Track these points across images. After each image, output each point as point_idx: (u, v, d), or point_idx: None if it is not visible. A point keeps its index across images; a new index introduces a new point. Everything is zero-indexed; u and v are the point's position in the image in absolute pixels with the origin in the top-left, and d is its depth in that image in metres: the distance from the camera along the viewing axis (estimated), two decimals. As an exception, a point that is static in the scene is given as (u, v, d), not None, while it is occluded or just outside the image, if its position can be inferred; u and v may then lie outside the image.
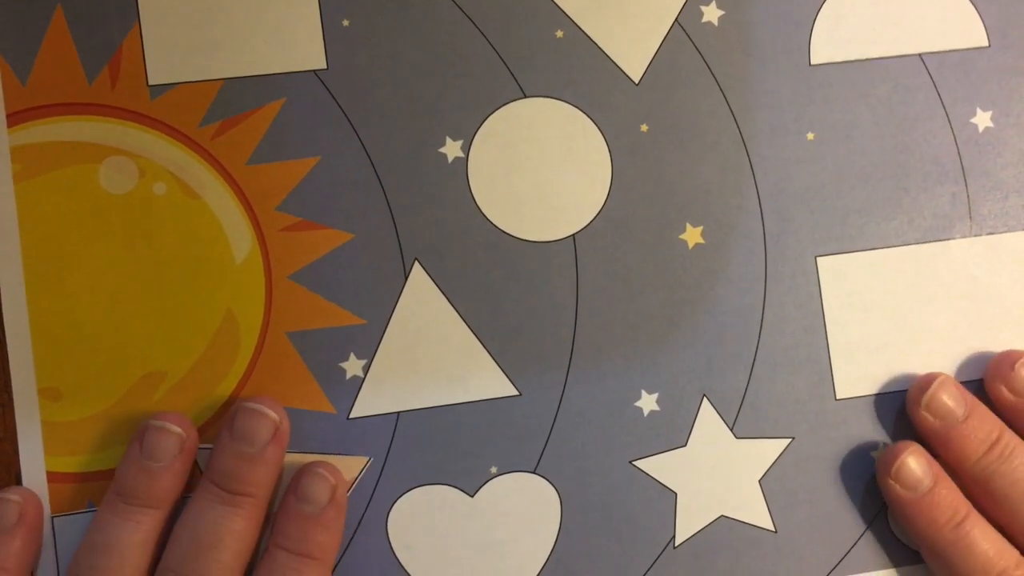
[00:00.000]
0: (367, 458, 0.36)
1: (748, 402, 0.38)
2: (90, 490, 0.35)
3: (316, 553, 0.33)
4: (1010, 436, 0.36)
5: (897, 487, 0.36)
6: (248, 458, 0.34)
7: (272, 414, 0.34)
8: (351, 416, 0.36)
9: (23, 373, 0.35)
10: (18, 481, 0.35)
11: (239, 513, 0.33)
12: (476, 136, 0.37)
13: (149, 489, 0.33)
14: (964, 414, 0.36)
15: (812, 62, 0.39)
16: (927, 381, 0.37)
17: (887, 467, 0.36)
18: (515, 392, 0.37)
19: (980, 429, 0.36)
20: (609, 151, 0.38)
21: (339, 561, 0.36)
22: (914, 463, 0.36)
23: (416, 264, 0.37)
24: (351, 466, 0.36)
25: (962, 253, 0.39)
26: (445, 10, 0.38)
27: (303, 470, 0.35)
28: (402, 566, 0.36)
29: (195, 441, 0.35)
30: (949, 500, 0.35)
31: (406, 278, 0.37)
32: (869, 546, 0.38)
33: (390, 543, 0.36)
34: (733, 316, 0.38)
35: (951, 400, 0.36)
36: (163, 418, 0.34)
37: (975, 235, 0.39)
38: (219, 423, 0.36)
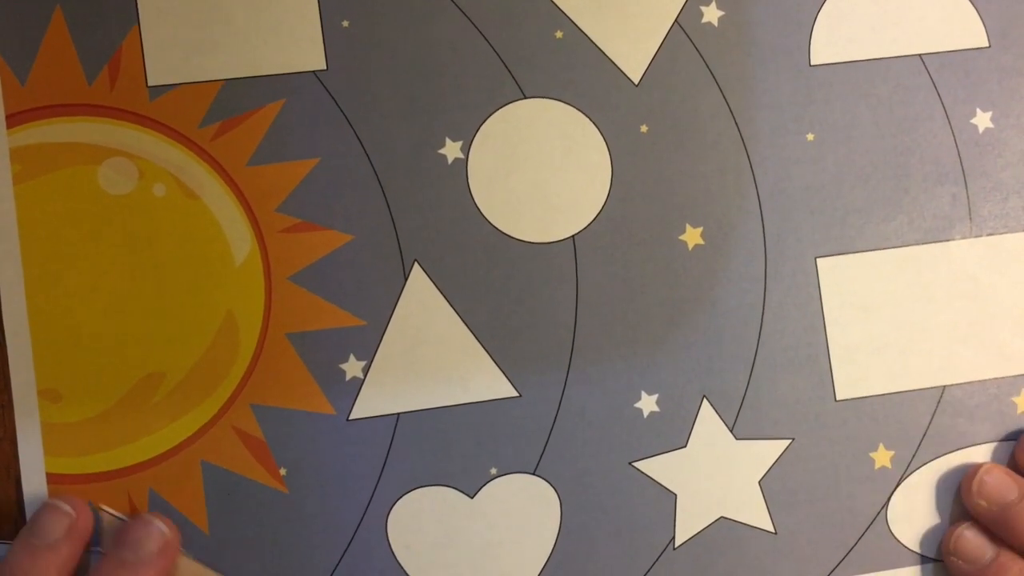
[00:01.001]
0: None
1: (748, 403, 0.38)
2: (90, 492, 0.35)
3: None
4: None
5: (959, 562, 0.36)
6: (125, 565, 0.32)
7: (162, 527, 0.33)
8: (351, 417, 0.36)
9: (23, 374, 0.35)
10: (18, 484, 0.35)
11: None
12: (476, 137, 0.37)
13: (31, 569, 0.32)
14: (1018, 496, 0.36)
15: (812, 62, 0.39)
16: (975, 470, 0.37)
17: (947, 544, 0.37)
18: (515, 393, 0.37)
19: None
20: (609, 152, 0.38)
21: (339, 562, 0.36)
22: (971, 535, 0.36)
23: (416, 265, 0.37)
24: None
25: (962, 254, 0.39)
26: (445, 11, 0.38)
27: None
28: (402, 567, 0.36)
29: (87, 526, 0.34)
30: (1016, 567, 0.35)
31: (406, 279, 0.37)
32: (869, 547, 0.38)
33: (390, 544, 0.36)
34: (733, 317, 0.38)
35: (1000, 484, 0.36)
36: (58, 497, 0.34)
37: (975, 236, 0.39)
38: (219, 425, 0.36)
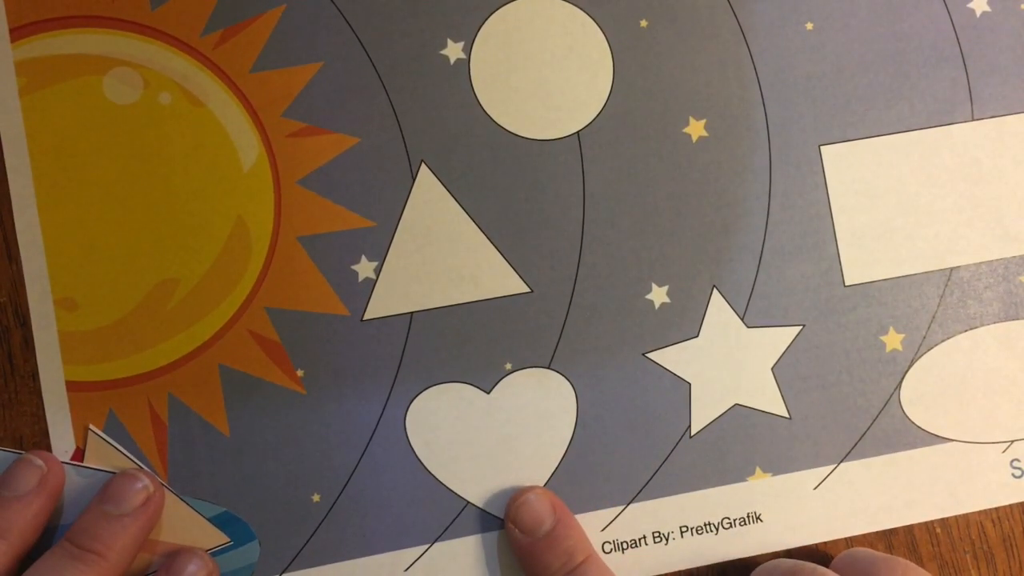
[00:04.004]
0: (228, 540, 0.35)
1: (758, 291, 0.38)
2: (109, 398, 0.35)
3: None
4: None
5: (516, 531, 0.35)
6: (108, 518, 0.33)
7: (146, 482, 0.34)
8: (365, 318, 0.37)
9: (38, 285, 0.35)
10: (39, 392, 0.35)
11: (82, 570, 0.32)
12: (477, 37, 0.38)
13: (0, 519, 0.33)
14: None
15: (808, -45, 0.39)
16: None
17: (508, 510, 0.36)
18: (527, 289, 0.37)
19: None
20: (610, 48, 0.38)
21: (359, 460, 0.36)
22: (533, 501, 0.35)
23: (423, 166, 0.37)
24: (206, 538, 0.35)
25: (964, 137, 0.39)
26: (440, -86, 0.38)
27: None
28: (421, 463, 0.36)
29: (58, 480, 0.34)
30: (566, 544, 0.35)
31: (413, 180, 0.37)
32: (884, 429, 0.38)
33: (409, 441, 0.36)
34: (740, 207, 0.38)
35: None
36: (33, 452, 0.34)
37: (977, 119, 0.39)
38: (235, 329, 0.36)
